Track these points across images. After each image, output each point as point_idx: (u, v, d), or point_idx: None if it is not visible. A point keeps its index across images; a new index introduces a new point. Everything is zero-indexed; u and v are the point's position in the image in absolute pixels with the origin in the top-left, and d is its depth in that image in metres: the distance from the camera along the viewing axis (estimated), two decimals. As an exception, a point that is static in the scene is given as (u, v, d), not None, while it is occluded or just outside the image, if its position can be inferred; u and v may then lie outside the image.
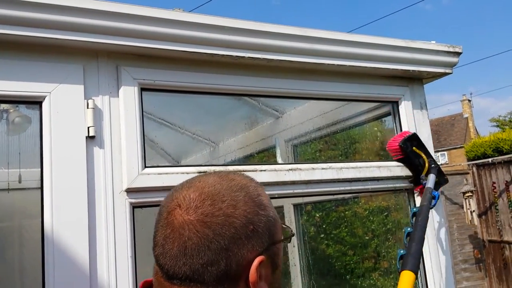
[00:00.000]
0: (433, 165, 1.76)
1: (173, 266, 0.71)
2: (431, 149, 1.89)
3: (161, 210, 0.76)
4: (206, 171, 1.43)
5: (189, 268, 0.70)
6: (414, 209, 1.64)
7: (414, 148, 1.74)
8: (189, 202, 0.72)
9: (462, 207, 8.44)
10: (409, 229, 1.56)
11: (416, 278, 1.39)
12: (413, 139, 1.76)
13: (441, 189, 1.85)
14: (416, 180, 1.77)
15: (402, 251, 1.48)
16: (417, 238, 1.49)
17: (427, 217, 1.58)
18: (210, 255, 0.70)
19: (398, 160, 1.77)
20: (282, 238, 0.81)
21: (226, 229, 0.70)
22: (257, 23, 1.48)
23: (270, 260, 0.76)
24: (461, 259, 8.51)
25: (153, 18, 1.32)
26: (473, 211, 8.10)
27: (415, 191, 1.82)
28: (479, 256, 8.70)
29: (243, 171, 1.50)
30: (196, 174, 1.41)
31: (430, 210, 1.65)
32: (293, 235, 0.88)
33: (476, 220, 8.28)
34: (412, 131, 1.82)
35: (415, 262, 1.40)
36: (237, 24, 1.44)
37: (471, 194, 8.21)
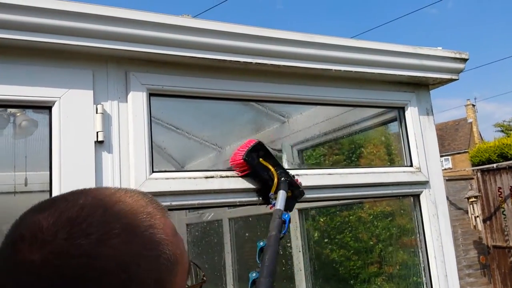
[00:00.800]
0: (283, 178, 1.47)
1: None
2: (436, 154, 1.89)
3: (3, 241, 0.53)
4: (213, 176, 1.44)
5: None
6: (261, 244, 1.27)
7: (260, 159, 1.48)
8: (37, 233, 0.50)
9: (467, 213, 8.42)
10: (254, 274, 1.19)
11: None
12: (259, 149, 1.49)
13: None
14: (267, 198, 1.48)
15: None
16: None
17: (276, 252, 1.23)
18: None
19: (246, 176, 1.48)
20: (187, 286, 0.59)
21: (84, 277, 0.48)
22: (265, 29, 1.49)
23: None
24: (465, 265, 8.48)
25: (161, 24, 1.33)
26: (477, 216, 8.07)
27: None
28: (485, 262, 8.67)
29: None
30: (203, 179, 1.43)
31: (282, 238, 1.32)
32: (204, 281, 0.65)
33: (480, 226, 8.25)
34: (256, 139, 1.55)
35: None
36: (245, 30, 1.45)
37: (475, 199, 8.19)
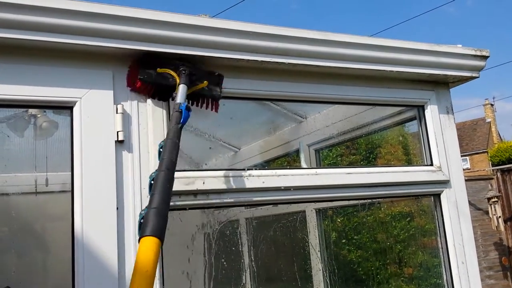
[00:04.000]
0: (183, 72, 1.34)
1: None
2: (457, 153, 1.86)
3: None
4: (233, 175, 1.44)
5: None
6: (162, 143, 1.21)
7: (158, 70, 1.33)
8: None
9: (487, 213, 8.26)
10: (153, 174, 1.15)
11: (162, 244, 1.00)
12: (150, 61, 1.33)
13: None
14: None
15: (143, 212, 1.06)
16: (161, 181, 1.06)
17: (175, 143, 1.17)
18: None
19: (154, 97, 1.34)
20: None
21: None
22: (282, 28, 1.49)
23: None
24: (485, 266, 8.31)
25: (180, 24, 1.34)
26: (499, 217, 7.91)
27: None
28: (507, 263, 8.49)
29: (266, 175, 1.50)
30: (222, 179, 1.43)
31: (182, 127, 1.25)
32: None
33: (502, 226, 8.09)
34: None
35: (158, 221, 0.99)
36: (262, 29, 1.45)
37: (496, 199, 8.03)
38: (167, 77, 1.33)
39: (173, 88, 1.33)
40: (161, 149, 1.19)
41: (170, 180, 1.09)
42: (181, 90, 1.30)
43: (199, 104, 1.43)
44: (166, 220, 1.02)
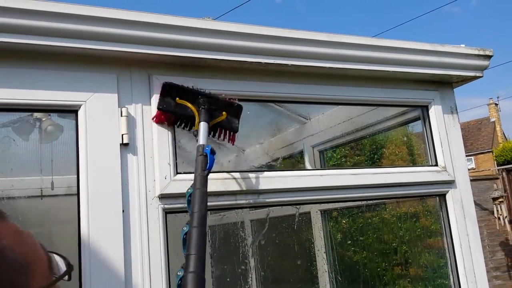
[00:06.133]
0: (201, 108, 1.31)
1: None
2: (461, 153, 1.86)
3: None
4: (236, 177, 1.45)
5: None
6: (189, 191, 1.15)
7: (177, 100, 1.31)
8: None
9: (492, 213, 8.22)
10: (185, 228, 1.07)
11: None
12: (170, 90, 1.31)
13: None
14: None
15: (180, 274, 1.01)
16: (195, 240, 1.00)
17: (204, 193, 1.10)
18: None
19: (179, 127, 1.35)
20: (53, 279, 0.58)
21: None
22: (285, 30, 1.49)
23: None
24: (492, 267, 8.27)
25: (183, 27, 1.34)
26: (506, 217, 7.88)
27: None
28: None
29: (271, 177, 1.50)
30: (227, 180, 1.44)
31: (208, 174, 1.18)
32: (70, 269, 0.63)
33: (508, 226, 8.05)
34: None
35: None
36: (266, 31, 1.45)
37: (502, 199, 8.00)
38: (186, 109, 1.32)
39: (193, 118, 1.32)
40: (189, 198, 1.14)
41: (203, 236, 1.04)
42: (203, 129, 1.27)
43: (216, 135, 1.42)
44: (204, 284, 0.97)
